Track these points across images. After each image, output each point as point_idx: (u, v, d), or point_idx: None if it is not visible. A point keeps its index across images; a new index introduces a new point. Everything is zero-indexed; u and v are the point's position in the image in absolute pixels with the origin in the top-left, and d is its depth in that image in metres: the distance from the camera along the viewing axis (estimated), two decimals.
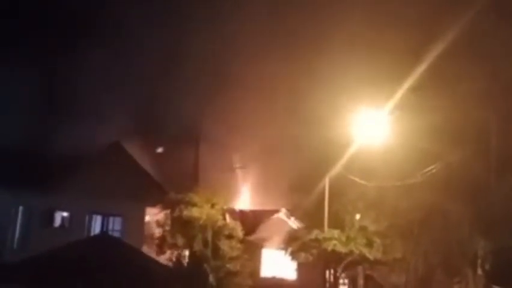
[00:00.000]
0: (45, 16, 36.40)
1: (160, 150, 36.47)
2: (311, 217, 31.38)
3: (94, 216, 32.91)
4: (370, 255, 29.17)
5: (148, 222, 32.17)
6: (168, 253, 29.32)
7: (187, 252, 29.49)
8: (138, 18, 34.49)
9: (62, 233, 30.78)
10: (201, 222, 28.76)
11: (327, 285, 31.14)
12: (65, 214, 32.97)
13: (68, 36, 35.89)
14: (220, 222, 29.45)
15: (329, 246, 28.98)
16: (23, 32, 35.52)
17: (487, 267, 27.76)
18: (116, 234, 31.18)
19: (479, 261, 27.91)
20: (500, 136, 27.13)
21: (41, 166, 31.75)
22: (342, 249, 29.06)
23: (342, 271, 31.42)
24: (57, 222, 33.09)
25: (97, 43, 35.12)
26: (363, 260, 29.92)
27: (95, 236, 30.26)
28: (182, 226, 28.98)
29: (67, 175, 31.21)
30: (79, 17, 35.81)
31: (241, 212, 34.92)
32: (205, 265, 28.41)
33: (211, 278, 28.36)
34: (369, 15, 28.86)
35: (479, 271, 28.02)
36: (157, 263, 26.50)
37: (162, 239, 29.51)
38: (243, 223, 31.34)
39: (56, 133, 32.86)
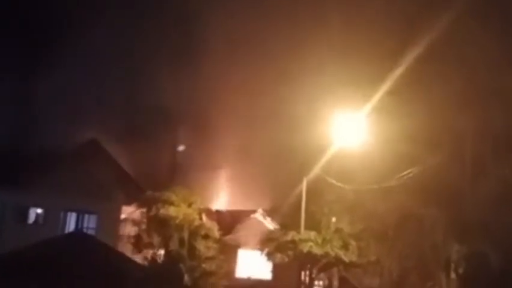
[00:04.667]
0: (24, 17, 36.18)
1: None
2: (288, 218, 31.41)
3: (69, 213, 32.64)
4: (345, 257, 29.29)
5: (124, 221, 31.98)
6: (144, 252, 29.19)
7: (162, 252, 29.39)
8: (116, 17, 34.38)
9: (36, 230, 30.50)
10: (178, 221, 28.67)
11: (302, 286, 31.20)
12: (39, 211, 32.69)
13: (45, 36, 35.67)
14: (196, 222, 29.38)
15: (305, 247, 29.04)
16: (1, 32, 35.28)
17: (461, 271, 28.02)
18: (91, 232, 30.97)
19: (452, 265, 28.16)
20: (476, 141, 27.36)
21: (16, 162, 31.46)
22: (318, 251, 29.13)
23: (318, 273, 31.51)
24: (32, 218, 32.82)
25: (75, 42, 34.96)
26: (338, 262, 30.03)
27: (69, 233, 30.04)
28: (159, 225, 28.87)
29: (42, 171, 30.98)
30: (56, 17, 35.62)
31: (218, 212, 34.88)
32: (181, 265, 28.33)
33: (186, 278, 28.28)
34: (346, 19, 29.00)
35: (453, 275, 28.27)
36: (131, 261, 26.33)
37: (138, 237, 29.36)
38: (219, 223, 31.31)
39: (32, 129, 32.63)
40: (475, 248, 26.94)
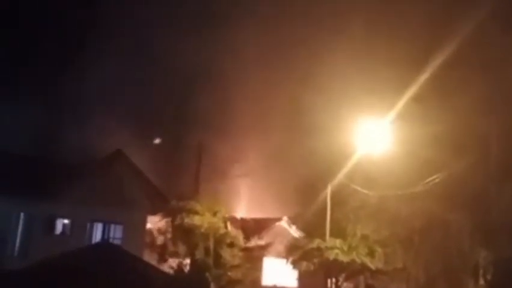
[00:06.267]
0: (48, 25, 36.62)
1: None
2: (313, 226, 31.34)
3: (95, 223, 32.80)
4: (371, 264, 29.13)
5: (150, 230, 32.12)
6: (170, 261, 29.30)
7: (188, 261, 29.48)
8: (136, 23, 34.64)
9: (63, 241, 30.58)
10: (203, 230, 28.78)
11: None
12: (66, 221, 32.79)
13: (70, 46, 36.09)
14: (221, 231, 29.45)
15: (331, 255, 28.95)
16: (28, 40, 35.71)
17: (489, 277, 27.75)
18: (117, 242, 31.00)
19: (480, 271, 27.90)
20: (500, 145, 27.16)
21: (42, 172, 31.66)
22: (344, 258, 29.02)
23: (344, 280, 31.35)
24: (59, 229, 32.92)
25: (98, 52, 35.32)
26: (364, 269, 29.88)
27: (96, 243, 30.12)
28: (184, 234, 29.00)
29: (68, 182, 31.12)
30: (79, 26, 36.04)
31: (243, 220, 34.87)
32: (207, 273, 28.39)
33: (212, 287, 28.33)
34: (371, 25, 29.00)
35: (481, 281, 27.99)
36: (158, 271, 26.35)
37: (164, 247, 29.51)
38: (244, 231, 31.33)
39: (58, 140, 32.90)
40: (502, 253, 26.68)
